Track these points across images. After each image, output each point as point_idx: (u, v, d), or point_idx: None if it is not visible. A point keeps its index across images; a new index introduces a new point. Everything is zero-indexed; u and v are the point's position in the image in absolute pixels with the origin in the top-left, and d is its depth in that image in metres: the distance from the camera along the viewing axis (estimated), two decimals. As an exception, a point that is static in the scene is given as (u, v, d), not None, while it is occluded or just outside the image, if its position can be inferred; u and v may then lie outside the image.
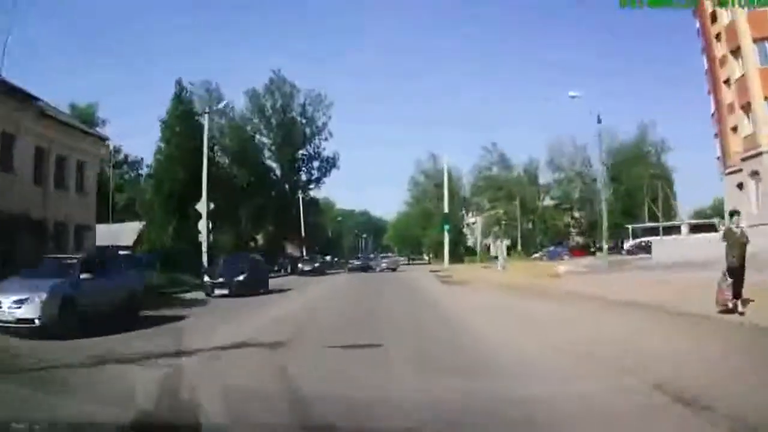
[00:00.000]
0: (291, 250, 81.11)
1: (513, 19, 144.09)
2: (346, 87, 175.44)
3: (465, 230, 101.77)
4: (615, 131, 78.61)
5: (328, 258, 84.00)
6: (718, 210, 79.15)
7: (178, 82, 55.62)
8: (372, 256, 72.30)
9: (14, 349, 10.59)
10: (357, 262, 67.06)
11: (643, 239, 54.81)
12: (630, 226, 66.34)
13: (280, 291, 27.47)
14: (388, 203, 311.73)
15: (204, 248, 30.94)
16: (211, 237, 31.69)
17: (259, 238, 78.67)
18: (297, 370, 8.16)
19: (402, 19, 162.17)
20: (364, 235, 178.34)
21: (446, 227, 45.09)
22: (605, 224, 35.62)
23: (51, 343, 11.08)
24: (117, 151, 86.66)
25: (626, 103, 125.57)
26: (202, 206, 31.45)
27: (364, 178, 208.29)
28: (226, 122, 75.45)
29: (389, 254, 75.04)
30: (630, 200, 78.19)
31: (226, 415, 4.87)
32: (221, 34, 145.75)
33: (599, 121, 35.52)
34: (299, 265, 53.71)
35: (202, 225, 31.16)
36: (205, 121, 36.52)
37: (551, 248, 68.77)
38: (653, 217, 71.64)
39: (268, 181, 76.98)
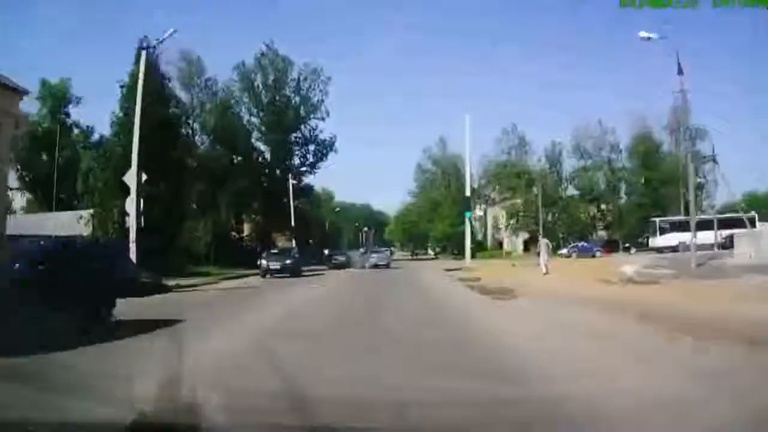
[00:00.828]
0: (282, 242, 71.95)
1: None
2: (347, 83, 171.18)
3: (475, 223, 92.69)
4: (644, 114, 69.56)
5: (326, 252, 74.44)
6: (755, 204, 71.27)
7: (142, 41, 46.42)
8: (363, 250, 61.72)
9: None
10: (340, 258, 57.51)
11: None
12: (656, 219, 57.44)
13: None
14: (389, 200, 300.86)
15: (132, 237, 21.51)
16: (142, 220, 22.05)
17: (246, 228, 69.57)
18: None
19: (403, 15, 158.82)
20: (365, 229, 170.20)
21: (468, 214, 35.05)
22: (693, 211, 26.17)
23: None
24: (91, 131, 77.82)
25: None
26: (130, 178, 22.08)
27: (367, 173, 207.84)
28: (208, 97, 65.95)
29: (380, 248, 65.36)
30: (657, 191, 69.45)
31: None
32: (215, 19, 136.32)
33: (680, 72, 25.92)
34: (263, 262, 39.15)
35: (130, 205, 21.78)
36: (142, 61, 26.77)
37: (581, 244, 59.33)
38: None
39: (256, 165, 67.72)
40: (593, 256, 54.18)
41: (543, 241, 31.50)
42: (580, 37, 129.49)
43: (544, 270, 27.79)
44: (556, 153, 72.38)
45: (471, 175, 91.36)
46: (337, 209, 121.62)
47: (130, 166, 36.86)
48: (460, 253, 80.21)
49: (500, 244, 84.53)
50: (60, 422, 4.46)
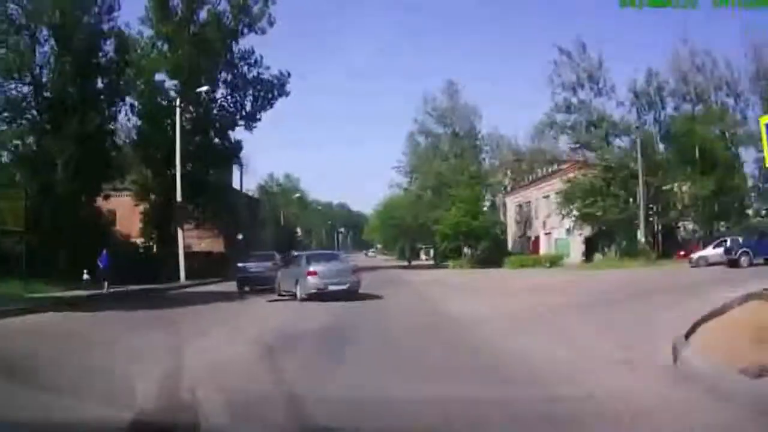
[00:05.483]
0: (196, 239, 44.09)
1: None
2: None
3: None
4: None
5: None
6: None
7: None
8: (297, 253, 29.27)
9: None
10: (256, 270, 25.64)
11: None
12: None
13: None
14: (368, 201, 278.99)
15: None
16: None
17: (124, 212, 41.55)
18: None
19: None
20: (341, 229, 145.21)
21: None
22: None
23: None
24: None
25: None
26: None
27: (344, 172, 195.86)
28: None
29: (335, 252, 32.37)
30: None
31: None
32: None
33: None
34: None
35: None
36: None
37: (750, 240, 30.50)
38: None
39: (149, 108, 39.82)
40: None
41: None
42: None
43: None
44: (654, 92, 43.54)
45: (479, 153, 65.02)
46: (298, 195, 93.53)
47: None
48: (471, 261, 52.64)
49: (534, 246, 56.94)
50: (60, 422, 4.45)
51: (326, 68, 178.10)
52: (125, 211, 42.34)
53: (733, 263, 28.20)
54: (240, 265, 26.25)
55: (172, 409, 4.12)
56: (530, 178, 62.59)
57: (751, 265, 27.32)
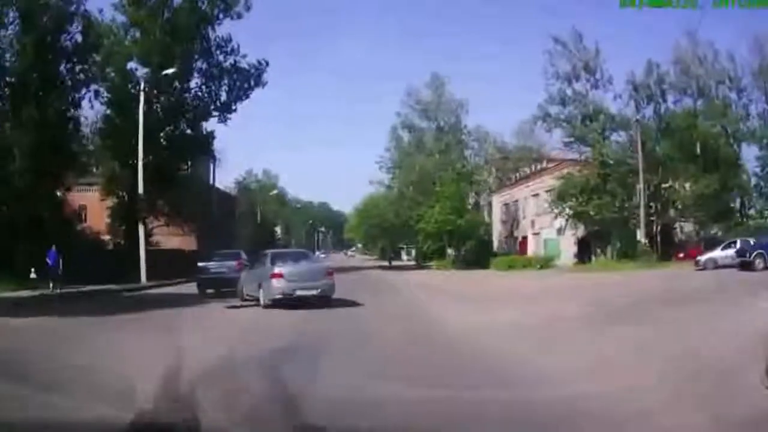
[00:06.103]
0: (165, 237, 41.22)
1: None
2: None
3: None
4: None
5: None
6: None
7: None
8: (264, 252, 25.42)
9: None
10: (214, 268, 23.70)
11: None
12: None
13: None
14: (349, 200, 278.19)
15: None
16: None
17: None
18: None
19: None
20: (322, 229, 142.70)
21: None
22: None
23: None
24: None
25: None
26: None
27: (326, 173, 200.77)
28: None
29: (307, 251, 27.74)
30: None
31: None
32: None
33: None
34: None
35: None
36: None
37: (764, 242, 28.03)
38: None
39: (119, 95, 36.90)
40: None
41: None
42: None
43: None
44: (654, 84, 41.28)
45: (464, 148, 62.45)
46: (275, 191, 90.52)
47: None
48: (458, 262, 50.24)
49: (522, 247, 54.58)
50: (59, 421, 4.22)
51: (310, 67, 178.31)
52: (96, 207, 40.30)
53: (746, 266, 26.02)
54: (201, 265, 23.61)
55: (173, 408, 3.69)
56: (517, 176, 60.39)
57: (766, 268, 25.17)
